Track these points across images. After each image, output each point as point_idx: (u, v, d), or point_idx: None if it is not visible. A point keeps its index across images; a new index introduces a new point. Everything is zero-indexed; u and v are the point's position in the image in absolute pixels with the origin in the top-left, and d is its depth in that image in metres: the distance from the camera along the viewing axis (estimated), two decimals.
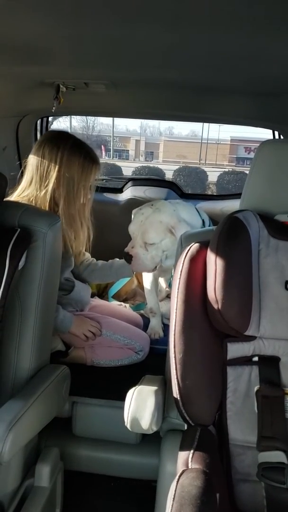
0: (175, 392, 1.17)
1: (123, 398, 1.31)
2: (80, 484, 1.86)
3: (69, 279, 1.90)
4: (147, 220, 1.90)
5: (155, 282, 2.20)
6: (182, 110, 2.34)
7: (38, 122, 2.65)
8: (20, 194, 1.77)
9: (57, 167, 1.73)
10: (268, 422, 1.18)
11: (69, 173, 1.74)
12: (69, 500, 1.69)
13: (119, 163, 15.92)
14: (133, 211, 2.02)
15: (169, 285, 2.21)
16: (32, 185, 1.76)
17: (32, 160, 1.78)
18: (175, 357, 1.16)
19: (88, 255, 2.06)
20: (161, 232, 1.88)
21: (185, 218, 1.92)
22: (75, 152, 1.77)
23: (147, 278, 2.17)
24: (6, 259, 1.32)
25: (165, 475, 1.33)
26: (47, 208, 1.73)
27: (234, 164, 26.21)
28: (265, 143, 1.29)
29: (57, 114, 2.87)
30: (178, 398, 1.17)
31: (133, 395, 1.30)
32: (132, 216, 2.01)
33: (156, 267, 1.98)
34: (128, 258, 1.92)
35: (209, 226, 2.06)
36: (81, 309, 1.98)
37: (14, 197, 1.76)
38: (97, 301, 2.21)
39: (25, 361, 1.43)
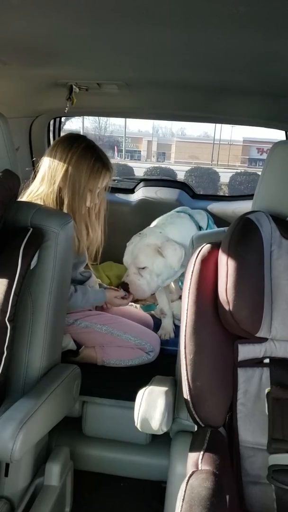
0: (186, 393, 1.17)
1: (133, 399, 1.32)
2: (89, 484, 1.87)
3: (84, 271, 1.96)
4: (135, 247, 1.96)
5: (166, 286, 2.21)
6: (195, 111, 2.34)
7: (51, 122, 2.67)
8: (32, 193, 1.78)
9: (65, 166, 1.74)
10: (279, 424, 1.17)
11: (77, 174, 1.74)
12: (78, 500, 1.69)
13: (131, 163, 15.93)
14: (127, 244, 2.05)
15: (180, 287, 2.22)
16: (43, 184, 1.77)
17: (45, 160, 1.79)
18: (185, 358, 1.16)
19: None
20: (150, 255, 1.93)
21: (174, 237, 1.96)
22: (86, 154, 1.77)
23: None
24: (19, 258, 1.32)
25: (174, 476, 1.33)
26: (53, 205, 1.75)
27: (246, 165, 26.11)
28: (277, 144, 1.28)
29: (70, 115, 2.88)
30: (189, 399, 1.17)
31: (143, 395, 1.30)
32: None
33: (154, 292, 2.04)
34: (125, 286, 1.98)
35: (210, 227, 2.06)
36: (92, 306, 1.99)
37: (26, 196, 1.78)
38: None
39: (36, 360, 1.43)
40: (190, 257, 1.26)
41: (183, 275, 2.10)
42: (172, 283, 2.26)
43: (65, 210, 1.75)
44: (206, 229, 2.05)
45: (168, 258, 1.91)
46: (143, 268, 1.94)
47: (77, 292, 1.83)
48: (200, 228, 2.07)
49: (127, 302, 2.00)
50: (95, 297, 1.92)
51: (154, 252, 1.92)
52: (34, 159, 1.89)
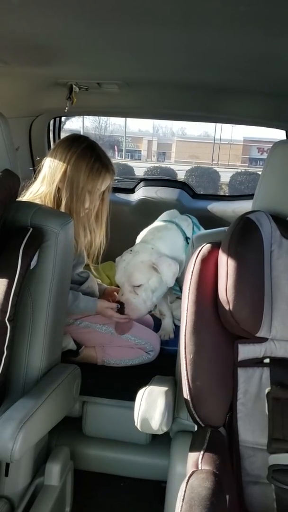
0: (186, 393, 1.17)
1: (133, 398, 1.32)
2: (89, 484, 1.87)
3: (82, 272, 1.95)
4: (129, 265, 1.91)
5: None
6: (195, 110, 2.34)
7: (51, 122, 2.67)
8: (32, 193, 1.78)
9: (64, 166, 1.73)
10: (279, 424, 1.17)
11: (75, 174, 1.72)
12: (78, 499, 1.69)
13: (131, 163, 15.93)
14: (116, 260, 2.01)
15: (175, 289, 2.22)
16: (43, 185, 1.76)
17: (46, 161, 1.79)
18: (185, 357, 1.16)
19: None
20: (145, 272, 1.89)
21: (165, 252, 1.94)
22: (86, 154, 1.75)
23: None
24: (19, 258, 1.32)
25: (174, 476, 1.33)
26: (51, 205, 1.73)
27: (247, 164, 26.09)
28: (278, 144, 1.28)
29: (70, 114, 2.88)
30: (189, 399, 1.17)
31: (143, 395, 1.30)
32: (116, 266, 2.00)
33: (151, 310, 2.00)
34: (121, 306, 1.90)
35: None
36: None
37: (26, 196, 1.77)
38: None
39: (36, 360, 1.43)
40: (190, 257, 1.26)
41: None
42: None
43: (62, 210, 1.74)
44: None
45: (164, 274, 1.88)
46: (139, 286, 1.89)
47: (68, 296, 1.79)
48: (186, 238, 2.04)
49: (120, 316, 1.90)
50: (86, 305, 1.86)
51: (149, 269, 1.89)
52: (37, 158, 1.88)
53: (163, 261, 1.88)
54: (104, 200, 1.86)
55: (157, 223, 2.13)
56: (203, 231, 1.77)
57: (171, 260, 1.90)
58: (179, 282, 2.08)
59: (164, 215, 2.20)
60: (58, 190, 1.75)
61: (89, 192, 1.77)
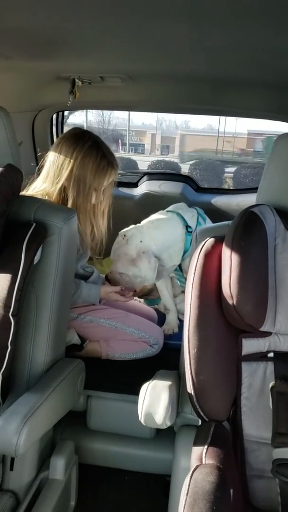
0: (189, 387, 1.17)
1: (137, 393, 1.31)
2: (94, 478, 1.87)
3: (87, 266, 1.97)
4: (117, 251, 2.00)
5: (168, 280, 2.24)
6: (199, 104, 2.33)
7: (54, 116, 2.66)
8: (36, 189, 1.77)
9: (70, 165, 1.72)
10: (283, 419, 1.17)
11: (82, 173, 1.72)
12: (83, 493, 1.70)
13: (134, 157, 15.87)
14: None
15: (180, 281, 2.22)
16: (47, 181, 1.76)
17: (50, 156, 1.78)
18: (189, 352, 1.16)
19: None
20: (126, 264, 1.97)
21: (155, 244, 1.98)
22: (92, 152, 1.74)
23: None
24: (22, 253, 1.32)
25: (179, 470, 1.33)
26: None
27: (251, 157, 25.96)
28: (282, 137, 1.27)
29: (73, 108, 2.87)
30: (192, 393, 1.17)
31: (147, 389, 1.30)
32: None
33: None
34: (108, 281, 2.03)
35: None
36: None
37: (30, 191, 1.77)
38: None
39: (41, 355, 1.44)
40: (194, 251, 1.26)
41: (178, 269, 2.13)
42: (172, 278, 2.26)
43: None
44: (195, 229, 2.04)
45: (142, 271, 1.95)
46: (121, 272, 1.99)
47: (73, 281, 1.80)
48: (187, 227, 2.06)
49: (125, 298, 1.98)
50: (89, 292, 1.87)
51: (129, 263, 1.96)
52: (40, 153, 1.87)
53: (144, 258, 1.94)
54: (106, 194, 1.86)
55: (160, 212, 2.16)
56: (207, 224, 1.77)
57: (153, 258, 1.94)
58: (184, 272, 2.10)
59: (171, 207, 2.23)
60: (64, 188, 1.74)
61: (96, 189, 1.77)
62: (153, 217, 2.12)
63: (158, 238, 2.00)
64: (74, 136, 1.77)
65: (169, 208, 2.22)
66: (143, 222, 2.11)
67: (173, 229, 2.05)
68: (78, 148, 1.73)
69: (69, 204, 1.74)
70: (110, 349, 1.92)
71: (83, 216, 1.77)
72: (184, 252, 2.05)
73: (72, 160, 1.72)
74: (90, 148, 1.74)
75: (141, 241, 1.97)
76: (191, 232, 2.03)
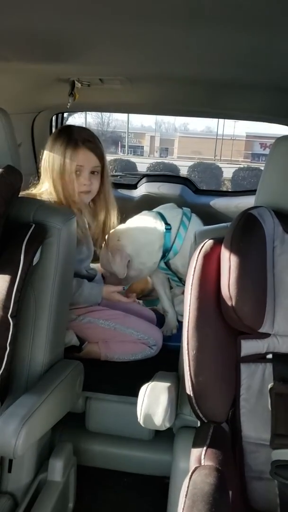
0: (188, 389, 1.17)
1: (136, 394, 1.31)
2: (93, 479, 1.87)
3: (91, 269, 1.99)
4: (103, 248, 2.07)
5: (165, 282, 2.26)
6: (198, 106, 2.33)
7: (53, 118, 2.66)
8: (42, 189, 1.82)
9: (46, 157, 1.79)
10: (282, 420, 1.17)
11: (52, 160, 1.76)
12: (82, 495, 1.70)
13: (133, 159, 15.90)
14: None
15: (173, 279, 2.23)
16: (43, 181, 1.81)
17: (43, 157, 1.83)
18: (188, 353, 1.16)
19: None
20: (103, 259, 2.09)
21: (127, 246, 2.05)
22: (59, 136, 1.78)
23: (156, 279, 2.25)
24: (21, 254, 1.32)
25: (178, 472, 1.33)
26: (55, 200, 1.77)
27: (249, 160, 26.03)
28: (280, 139, 1.28)
29: (72, 110, 2.88)
30: (191, 395, 1.17)
31: (146, 391, 1.30)
32: None
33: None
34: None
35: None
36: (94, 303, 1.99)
37: (35, 190, 1.82)
38: None
39: (39, 356, 1.44)
40: (193, 253, 1.26)
41: (167, 269, 2.13)
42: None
43: (59, 200, 1.77)
44: (178, 228, 2.10)
45: (114, 267, 2.02)
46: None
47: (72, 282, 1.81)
48: (166, 225, 2.11)
49: (127, 300, 2.00)
50: (90, 292, 1.88)
51: (107, 259, 2.04)
52: (36, 156, 1.90)
53: (117, 255, 2.00)
54: (103, 181, 1.88)
55: (143, 212, 2.22)
56: (206, 226, 1.77)
57: (125, 254, 2.01)
58: (177, 272, 2.14)
59: (160, 207, 2.27)
60: (52, 184, 1.78)
61: (70, 172, 1.77)
62: (136, 217, 2.17)
63: (135, 236, 2.06)
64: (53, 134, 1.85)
65: (158, 207, 2.26)
66: (127, 222, 2.16)
67: (150, 227, 2.09)
68: (51, 138, 1.81)
69: (61, 196, 1.76)
70: (109, 350, 1.92)
71: (74, 206, 1.78)
72: (167, 251, 2.08)
73: (47, 151, 1.79)
74: (58, 133, 1.80)
75: (118, 240, 2.03)
76: (169, 229, 2.08)
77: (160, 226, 2.08)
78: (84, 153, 1.78)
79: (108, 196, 1.92)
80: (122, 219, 2.09)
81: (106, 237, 2.00)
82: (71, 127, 1.82)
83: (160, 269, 2.17)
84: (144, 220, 2.13)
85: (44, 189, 1.80)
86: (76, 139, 1.77)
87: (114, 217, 1.96)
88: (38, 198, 1.76)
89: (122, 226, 2.09)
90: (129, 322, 1.96)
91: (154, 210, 2.22)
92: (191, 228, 2.07)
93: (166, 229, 2.07)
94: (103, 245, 2.03)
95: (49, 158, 1.78)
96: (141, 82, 1.85)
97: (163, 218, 2.12)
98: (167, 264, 2.13)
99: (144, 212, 2.20)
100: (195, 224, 2.11)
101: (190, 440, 1.15)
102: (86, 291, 1.86)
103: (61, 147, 1.76)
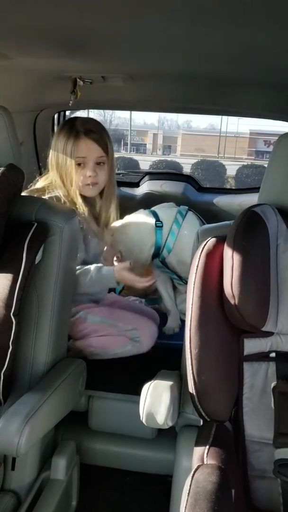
0: (191, 387, 1.17)
1: (139, 393, 1.31)
2: (95, 478, 1.87)
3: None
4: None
5: (167, 282, 2.27)
6: (201, 103, 2.32)
7: (56, 116, 2.66)
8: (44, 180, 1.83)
9: (51, 151, 1.78)
10: (285, 419, 1.17)
11: (59, 153, 1.75)
12: (84, 493, 1.70)
13: (136, 157, 15.89)
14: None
15: (173, 278, 2.23)
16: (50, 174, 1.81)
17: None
18: (190, 352, 1.16)
19: None
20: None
21: (119, 241, 2.11)
22: (63, 128, 1.77)
23: (158, 278, 2.24)
24: (23, 253, 1.32)
25: (180, 470, 1.33)
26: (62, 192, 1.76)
27: (253, 157, 25.98)
28: (284, 136, 1.27)
29: (75, 108, 2.87)
30: (194, 393, 1.17)
31: (148, 389, 1.30)
32: None
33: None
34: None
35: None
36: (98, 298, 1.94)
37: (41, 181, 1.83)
38: (112, 296, 2.19)
39: (42, 355, 1.44)
40: (195, 251, 1.26)
41: (163, 267, 2.13)
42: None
43: (65, 193, 1.76)
44: (170, 226, 2.11)
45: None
46: None
47: (78, 276, 1.76)
48: (160, 223, 2.13)
49: (142, 281, 1.88)
50: (99, 274, 1.77)
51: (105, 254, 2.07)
52: (38, 154, 1.91)
53: (110, 251, 2.08)
54: (110, 173, 1.85)
55: (139, 211, 2.24)
56: (209, 224, 1.76)
57: (117, 249, 2.11)
58: (178, 271, 2.16)
59: (156, 206, 2.29)
60: (59, 176, 1.77)
61: (79, 165, 1.76)
62: (130, 215, 2.20)
63: (127, 233, 2.10)
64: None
65: (155, 207, 2.27)
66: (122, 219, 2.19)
67: (142, 224, 2.13)
68: (55, 133, 1.80)
69: (66, 189, 1.76)
70: (91, 347, 1.83)
71: (74, 199, 1.76)
72: (160, 248, 2.10)
73: (53, 145, 1.79)
74: (63, 125, 1.79)
75: (111, 235, 2.05)
76: (161, 227, 2.10)
77: (151, 223, 2.11)
78: (86, 144, 1.75)
79: (114, 190, 1.90)
80: (124, 216, 2.09)
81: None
82: (76, 118, 1.80)
83: (157, 267, 2.17)
84: (136, 218, 2.16)
85: (49, 182, 1.79)
86: (78, 130, 1.74)
87: (116, 211, 1.94)
88: (46, 192, 1.77)
89: (116, 223, 2.10)
90: (107, 314, 1.87)
91: (151, 209, 2.24)
92: (185, 226, 2.09)
93: (157, 226, 2.09)
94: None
95: (54, 151, 1.77)
96: (143, 79, 1.85)
97: (156, 215, 2.14)
98: (164, 262, 2.13)
99: (139, 210, 2.22)
100: (190, 222, 2.11)
101: (192, 439, 1.15)
102: (95, 275, 1.76)
103: (64, 139, 1.74)
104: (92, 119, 1.83)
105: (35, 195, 1.74)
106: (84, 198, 1.81)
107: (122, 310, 1.95)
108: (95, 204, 1.90)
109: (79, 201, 1.77)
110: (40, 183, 1.83)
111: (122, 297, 2.25)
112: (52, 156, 1.78)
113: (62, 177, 1.76)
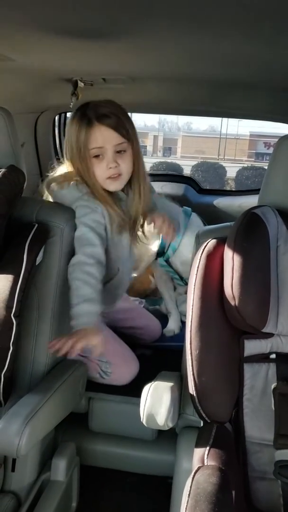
0: (191, 389, 1.17)
1: (139, 394, 1.31)
2: (96, 479, 1.87)
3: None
4: None
5: (169, 283, 2.27)
6: (201, 105, 2.33)
7: (56, 118, 2.66)
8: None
9: (65, 141, 1.57)
10: (285, 420, 1.17)
11: (71, 142, 1.52)
12: (84, 495, 1.70)
13: None
14: None
15: (174, 277, 2.24)
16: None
17: None
18: (191, 353, 1.16)
19: None
20: None
21: None
22: (75, 115, 1.53)
23: (159, 279, 2.26)
24: (24, 254, 1.32)
25: (180, 472, 1.33)
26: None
27: (253, 159, 25.99)
28: (284, 138, 1.27)
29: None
30: (194, 395, 1.17)
31: (149, 391, 1.30)
32: None
33: None
34: None
35: None
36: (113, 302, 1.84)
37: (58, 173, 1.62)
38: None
39: (43, 356, 1.44)
40: (196, 253, 1.26)
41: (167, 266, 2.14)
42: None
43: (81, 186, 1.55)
44: None
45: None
46: None
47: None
48: None
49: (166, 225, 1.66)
50: (82, 309, 1.41)
51: None
52: (39, 156, 1.88)
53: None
54: (135, 159, 1.59)
55: None
56: (210, 226, 1.77)
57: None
58: (180, 272, 2.15)
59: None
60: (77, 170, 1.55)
61: (95, 157, 1.52)
62: None
63: None
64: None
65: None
66: None
67: None
68: (68, 123, 1.59)
69: (85, 179, 1.54)
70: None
71: (97, 193, 1.54)
72: (165, 248, 2.09)
73: (66, 136, 1.58)
74: (76, 112, 1.54)
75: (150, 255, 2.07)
76: None
77: None
78: (101, 132, 1.49)
79: (142, 180, 1.62)
80: None
81: None
82: (88, 103, 1.53)
83: (161, 266, 2.17)
84: None
85: (59, 172, 1.60)
86: (90, 117, 1.49)
87: (150, 207, 1.68)
88: (65, 183, 1.56)
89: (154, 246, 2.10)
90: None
91: None
92: (190, 226, 2.08)
93: None
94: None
95: (67, 143, 1.55)
96: (144, 81, 1.85)
97: None
98: (168, 262, 2.13)
99: None
100: (194, 222, 2.11)
101: (193, 440, 1.15)
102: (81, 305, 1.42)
103: (76, 129, 1.50)
104: (107, 101, 1.54)
105: (60, 182, 1.57)
106: (110, 193, 1.58)
107: (113, 339, 1.84)
108: (124, 199, 1.64)
109: (103, 198, 1.55)
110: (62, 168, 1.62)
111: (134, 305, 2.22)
112: (66, 149, 1.57)
113: (80, 172, 1.54)
